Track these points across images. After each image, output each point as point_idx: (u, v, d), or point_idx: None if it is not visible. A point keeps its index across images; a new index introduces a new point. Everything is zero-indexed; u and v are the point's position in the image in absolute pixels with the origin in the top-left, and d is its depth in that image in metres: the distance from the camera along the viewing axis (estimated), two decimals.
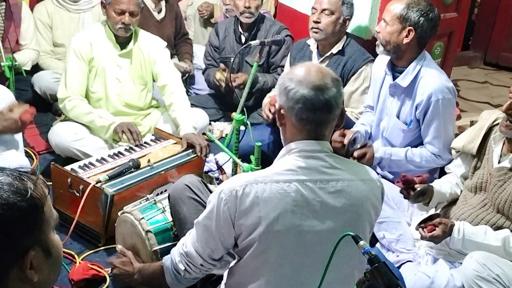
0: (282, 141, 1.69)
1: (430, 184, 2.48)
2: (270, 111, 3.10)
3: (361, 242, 1.32)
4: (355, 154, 2.66)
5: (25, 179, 1.05)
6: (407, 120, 2.73)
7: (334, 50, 3.15)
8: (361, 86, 3.10)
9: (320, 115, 1.59)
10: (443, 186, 2.55)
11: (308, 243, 1.60)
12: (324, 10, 3.08)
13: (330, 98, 1.57)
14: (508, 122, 2.25)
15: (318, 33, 3.11)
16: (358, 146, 2.70)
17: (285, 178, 1.57)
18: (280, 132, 1.68)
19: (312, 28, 3.11)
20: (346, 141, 2.69)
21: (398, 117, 2.77)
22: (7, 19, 3.59)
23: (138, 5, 3.05)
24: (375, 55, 3.00)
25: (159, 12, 4.12)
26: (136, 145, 2.92)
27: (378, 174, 2.81)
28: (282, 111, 1.62)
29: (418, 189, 2.38)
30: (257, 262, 1.63)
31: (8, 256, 1.01)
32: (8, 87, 3.13)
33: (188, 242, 1.75)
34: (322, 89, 1.56)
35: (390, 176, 2.87)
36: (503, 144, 2.35)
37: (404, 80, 2.67)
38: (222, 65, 3.68)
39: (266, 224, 1.55)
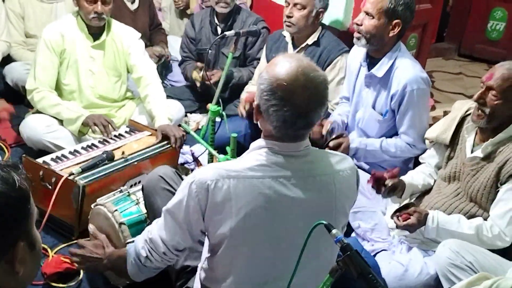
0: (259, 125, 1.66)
1: (401, 178, 2.50)
2: (244, 108, 3.09)
3: (334, 231, 1.33)
4: (331, 144, 2.67)
5: (10, 170, 1.03)
6: (383, 110, 2.74)
7: (309, 41, 3.15)
8: (336, 76, 3.11)
9: (300, 131, 1.56)
10: (415, 177, 2.58)
11: (281, 238, 1.58)
12: (296, 4, 3.07)
13: (313, 120, 1.54)
14: (479, 111, 2.27)
15: (291, 27, 3.11)
16: (334, 136, 2.71)
17: (258, 174, 1.55)
18: (258, 122, 1.63)
19: (285, 22, 3.11)
20: (324, 131, 2.70)
21: (373, 107, 2.78)
22: None
23: None
24: (350, 46, 3.01)
25: (133, 2, 4.06)
26: (110, 137, 2.88)
27: None
28: (254, 105, 1.58)
29: (389, 184, 2.40)
30: (230, 257, 1.61)
31: None
32: None
33: (154, 229, 1.71)
34: (306, 114, 1.51)
35: (366, 166, 2.89)
36: (476, 134, 2.38)
37: (379, 70, 2.68)
38: (198, 64, 3.63)
39: (238, 220, 1.54)
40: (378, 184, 2.43)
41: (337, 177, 1.63)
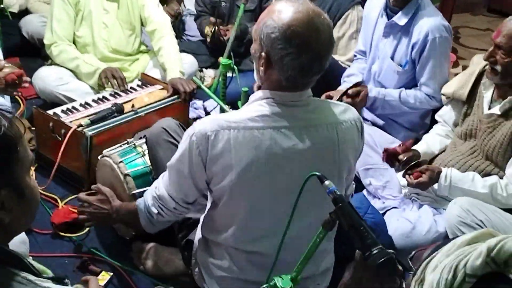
0: (257, 79, 1.61)
1: (415, 147, 2.44)
2: None
3: (326, 182, 1.29)
4: (350, 91, 2.63)
5: None
6: (402, 61, 2.68)
7: None
8: (348, 31, 3.02)
9: (313, 77, 1.53)
10: (430, 143, 2.52)
11: (282, 190, 1.56)
12: None
13: (325, 63, 1.51)
14: (491, 69, 2.20)
15: None
16: (352, 85, 2.65)
17: (259, 125, 1.52)
18: (259, 72, 1.56)
19: None
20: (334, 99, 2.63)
21: (392, 58, 2.71)
22: None
23: None
24: None
25: None
26: (122, 90, 2.86)
27: (367, 120, 2.80)
28: (263, 56, 1.51)
29: (404, 159, 2.33)
30: (231, 209, 1.60)
31: None
32: None
33: (160, 185, 1.71)
34: (321, 58, 1.48)
35: (380, 122, 2.83)
36: (493, 90, 2.29)
37: (401, 19, 2.61)
38: (211, 19, 3.55)
39: (238, 171, 1.52)
40: (391, 160, 2.37)
41: (339, 127, 1.60)
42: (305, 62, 1.46)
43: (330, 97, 2.67)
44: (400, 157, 2.34)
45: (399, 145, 2.39)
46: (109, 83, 2.88)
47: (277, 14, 1.48)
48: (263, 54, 1.51)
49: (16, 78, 2.33)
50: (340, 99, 2.62)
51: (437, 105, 2.69)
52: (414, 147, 2.44)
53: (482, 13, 5.25)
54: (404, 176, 2.33)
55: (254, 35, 1.55)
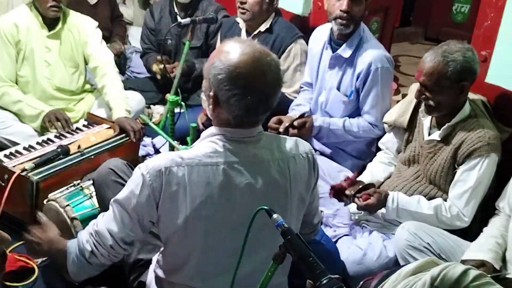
0: (210, 116, 1.62)
1: (360, 178, 2.50)
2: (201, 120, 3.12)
3: (274, 216, 1.31)
4: (295, 123, 2.67)
5: None
6: (348, 91, 2.76)
7: (262, 28, 3.10)
8: (292, 64, 3.07)
9: (260, 116, 1.56)
10: (375, 172, 2.59)
11: (236, 225, 1.56)
12: None
13: (273, 103, 1.54)
14: (425, 105, 2.30)
15: (245, 14, 3.05)
16: (297, 116, 2.71)
17: (212, 161, 1.53)
18: (209, 110, 1.59)
19: (239, 8, 3.05)
20: (281, 129, 2.67)
21: (338, 89, 2.78)
22: None
23: None
24: (310, 32, 2.99)
25: None
26: (67, 131, 2.82)
27: (315, 149, 2.85)
28: (211, 95, 1.54)
29: (351, 194, 2.37)
30: (185, 247, 1.59)
31: None
32: None
33: (100, 222, 1.66)
34: (267, 99, 1.51)
35: (328, 151, 2.88)
36: (432, 116, 2.38)
37: (345, 51, 2.70)
38: (158, 57, 3.57)
39: (192, 208, 1.52)
40: (339, 195, 2.41)
41: (291, 162, 1.63)
42: (250, 103, 1.49)
43: (280, 121, 2.70)
44: (347, 192, 2.38)
45: (344, 180, 2.43)
46: (53, 126, 2.82)
47: (224, 55, 1.51)
48: (211, 93, 1.54)
49: None
50: (286, 131, 2.65)
51: (379, 134, 2.77)
52: (359, 178, 2.49)
53: (419, 41, 5.48)
54: (352, 199, 2.37)
55: (204, 73, 1.58)
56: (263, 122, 1.61)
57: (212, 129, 1.60)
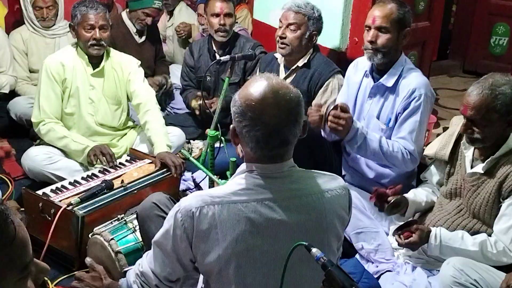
0: (239, 154, 1.66)
1: (404, 195, 2.47)
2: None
3: (313, 250, 1.30)
4: (332, 112, 2.53)
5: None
6: (387, 120, 2.73)
7: (300, 63, 3.13)
8: (329, 98, 3.09)
9: (275, 150, 1.54)
10: (418, 195, 2.54)
11: (271, 262, 1.55)
12: (289, 25, 3.06)
13: (288, 138, 1.52)
14: (469, 139, 2.27)
15: (284, 48, 3.08)
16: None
17: (242, 199, 1.53)
18: (233, 143, 1.62)
19: (278, 42, 3.10)
20: (323, 110, 2.58)
21: (378, 117, 2.76)
22: None
23: (106, 19, 3.05)
24: (347, 66, 3.01)
25: (141, 36, 4.13)
26: (111, 167, 2.89)
27: (354, 185, 2.82)
28: (233, 130, 1.56)
29: (392, 201, 2.36)
30: (222, 284, 1.58)
31: None
32: None
33: (144, 262, 1.69)
34: (278, 132, 1.50)
35: (368, 187, 2.85)
36: (474, 149, 2.35)
37: (388, 80, 2.69)
38: (198, 93, 3.64)
39: (225, 246, 1.52)
40: (380, 200, 2.40)
41: (325, 197, 1.60)
42: (260, 135, 1.48)
43: (320, 107, 2.62)
44: (389, 198, 2.36)
45: (389, 188, 2.41)
46: (98, 160, 2.91)
47: (243, 89, 1.54)
48: (231, 126, 1.57)
49: (4, 155, 2.35)
50: (326, 115, 2.55)
51: (410, 165, 2.68)
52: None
53: (458, 75, 5.44)
54: (394, 235, 2.34)
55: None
56: (288, 157, 1.58)
57: (243, 166, 1.61)
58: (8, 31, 4.11)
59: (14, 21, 4.43)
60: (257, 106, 1.48)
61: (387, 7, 2.63)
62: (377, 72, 2.76)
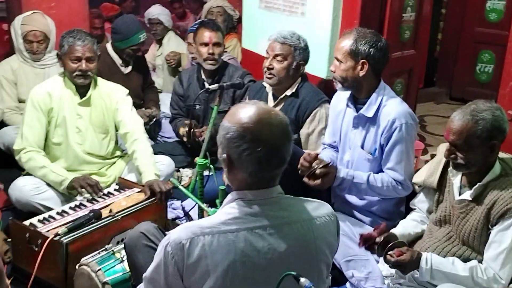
0: (227, 180, 1.66)
1: (392, 231, 2.47)
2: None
3: (302, 280, 1.30)
4: (318, 171, 2.59)
5: None
6: (372, 149, 2.74)
7: (288, 92, 3.16)
8: (317, 127, 3.12)
9: (275, 171, 1.57)
10: (406, 227, 2.55)
11: None
12: (276, 56, 3.10)
13: (285, 156, 1.56)
14: (453, 164, 2.29)
15: (271, 79, 3.13)
16: (321, 166, 2.62)
17: (232, 228, 1.53)
18: (226, 174, 1.63)
19: (265, 73, 3.13)
20: (315, 165, 2.60)
21: (362, 147, 2.78)
22: None
23: (94, 51, 3.06)
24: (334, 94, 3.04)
25: (127, 66, 4.16)
26: (99, 196, 2.87)
27: (343, 213, 2.82)
28: (224, 157, 1.57)
29: (381, 240, 2.34)
30: None
31: None
32: None
33: None
34: (278, 150, 1.54)
35: (356, 214, 2.86)
36: (462, 175, 2.37)
37: (368, 110, 2.71)
38: (186, 121, 3.66)
39: (216, 277, 1.51)
40: (369, 244, 2.38)
41: (314, 224, 1.61)
42: (262, 156, 1.51)
43: (316, 157, 2.63)
44: (377, 239, 2.35)
45: (374, 228, 2.40)
46: (85, 191, 2.88)
47: (230, 116, 1.57)
48: (224, 155, 1.57)
49: None
50: (308, 178, 2.59)
51: (403, 192, 2.72)
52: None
53: (445, 101, 5.52)
54: (385, 256, 2.32)
55: (217, 140, 1.61)
56: (278, 180, 1.61)
57: (230, 195, 1.62)
58: None
59: (4, 52, 4.45)
60: (255, 127, 1.52)
61: (343, 41, 2.70)
62: (356, 101, 2.79)
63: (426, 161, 3.54)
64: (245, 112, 1.55)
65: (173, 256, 1.52)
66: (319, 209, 1.66)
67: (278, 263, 1.54)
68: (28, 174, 3.11)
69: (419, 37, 3.81)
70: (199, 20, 4.34)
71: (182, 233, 1.53)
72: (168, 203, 3.05)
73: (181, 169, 3.77)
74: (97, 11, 6.00)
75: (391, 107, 2.67)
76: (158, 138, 4.28)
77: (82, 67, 3.00)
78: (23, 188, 2.97)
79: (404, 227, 2.54)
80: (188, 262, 1.51)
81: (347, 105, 2.83)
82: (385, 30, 3.47)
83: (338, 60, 2.71)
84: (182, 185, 3.22)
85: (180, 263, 1.52)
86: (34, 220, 2.61)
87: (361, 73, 2.67)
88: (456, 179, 2.37)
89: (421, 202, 2.63)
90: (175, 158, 3.63)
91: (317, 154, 2.68)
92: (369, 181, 2.68)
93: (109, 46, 4.13)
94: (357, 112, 2.76)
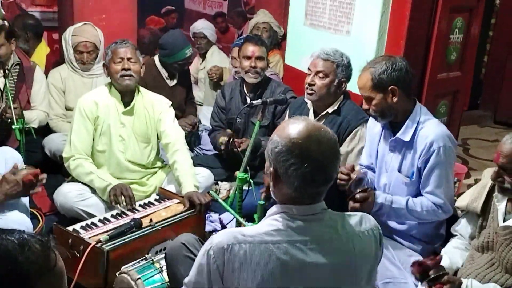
0: (272, 195, 1.67)
1: (441, 264, 2.41)
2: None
3: None
4: (358, 196, 2.58)
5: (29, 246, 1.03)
6: (409, 173, 2.70)
7: (330, 109, 3.16)
8: (356, 146, 3.09)
9: (320, 188, 1.58)
10: (452, 258, 2.48)
11: None
12: (318, 72, 3.10)
13: (331, 173, 1.57)
14: (500, 188, 2.24)
15: (312, 95, 3.12)
16: (360, 189, 2.61)
17: (274, 239, 1.54)
18: (271, 187, 1.64)
19: (307, 89, 3.13)
20: (353, 176, 2.60)
21: (399, 171, 2.74)
22: (19, 81, 3.75)
23: (135, 54, 3.17)
24: None
25: (172, 79, 4.24)
26: (129, 210, 2.89)
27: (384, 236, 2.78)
28: (271, 171, 1.59)
29: (433, 276, 2.29)
30: None
31: None
32: (18, 149, 3.20)
33: None
34: (325, 168, 1.55)
35: (396, 237, 2.81)
36: (507, 202, 2.31)
37: (405, 134, 2.66)
38: (228, 130, 3.70)
39: (254, 286, 1.52)
40: (422, 273, 2.33)
41: (356, 239, 1.61)
42: (308, 172, 1.52)
43: (353, 169, 2.63)
44: (430, 272, 2.30)
45: (430, 258, 2.35)
46: (117, 200, 2.92)
47: (281, 130, 1.59)
48: (271, 169, 1.59)
49: (33, 179, 2.43)
50: (347, 202, 2.59)
51: (444, 216, 2.67)
52: None
53: (488, 125, 5.41)
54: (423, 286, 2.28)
55: (266, 154, 1.64)
56: (323, 197, 1.62)
57: (274, 208, 1.63)
58: (48, 69, 4.25)
59: (55, 60, 4.60)
60: (304, 143, 1.53)
61: (363, 79, 2.66)
62: (392, 124, 2.75)
63: (469, 185, 3.48)
64: (295, 127, 1.57)
65: (215, 260, 1.54)
66: (362, 223, 1.66)
67: (317, 278, 1.55)
68: (72, 180, 3.20)
69: (465, 59, 3.76)
70: (245, 35, 4.40)
71: (224, 238, 1.55)
72: (206, 215, 3.07)
73: (219, 182, 3.79)
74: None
75: (428, 129, 2.62)
76: (197, 150, 4.32)
77: (125, 66, 3.09)
78: (68, 194, 3.04)
79: (451, 260, 2.46)
80: (228, 267, 1.53)
81: (383, 128, 2.80)
82: (431, 51, 3.44)
83: (367, 98, 2.67)
84: (221, 198, 3.24)
85: (221, 266, 1.54)
86: (77, 226, 2.68)
87: (395, 99, 2.62)
88: (501, 204, 2.32)
89: (463, 227, 2.57)
90: (214, 171, 3.65)
91: (353, 166, 2.67)
92: (408, 206, 2.64)
93: (156, 59, 4.23)
94: (393, 135, 2.72)
